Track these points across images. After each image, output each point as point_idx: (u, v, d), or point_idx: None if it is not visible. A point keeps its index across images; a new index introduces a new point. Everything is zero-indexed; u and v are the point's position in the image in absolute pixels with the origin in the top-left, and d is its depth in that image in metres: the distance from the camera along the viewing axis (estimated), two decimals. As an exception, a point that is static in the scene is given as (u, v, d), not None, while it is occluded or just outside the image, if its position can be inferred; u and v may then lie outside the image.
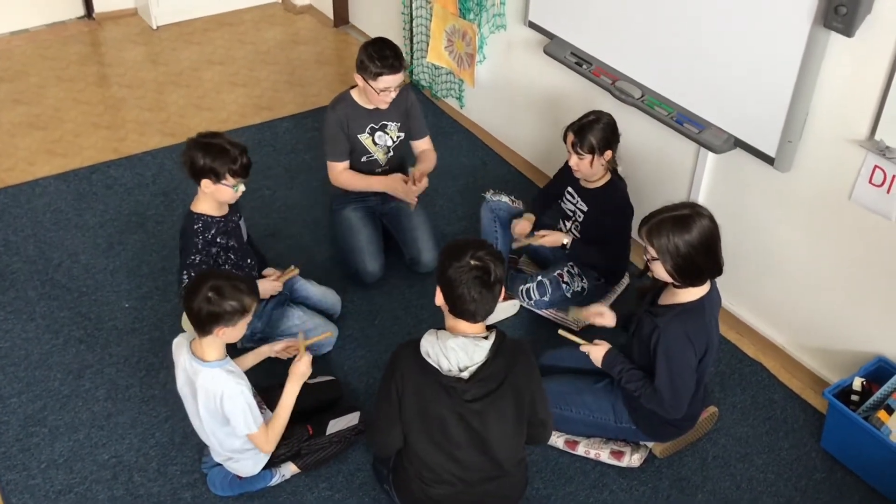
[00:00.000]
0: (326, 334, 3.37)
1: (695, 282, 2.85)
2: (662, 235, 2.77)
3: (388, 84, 3.61)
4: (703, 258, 2.78)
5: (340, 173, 3.85)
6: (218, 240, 3.25)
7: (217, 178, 3.13)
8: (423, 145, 4.00)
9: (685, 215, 2.78)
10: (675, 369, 2.87)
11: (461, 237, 2.65)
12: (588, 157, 3.43)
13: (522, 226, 3.73)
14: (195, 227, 3.20)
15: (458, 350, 2.54)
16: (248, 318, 2.79)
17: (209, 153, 3.10)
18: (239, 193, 3.21)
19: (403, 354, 2.63)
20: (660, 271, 2.83)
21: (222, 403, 2.78)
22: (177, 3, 5.99)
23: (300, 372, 2.92)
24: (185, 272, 3.19)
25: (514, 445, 2.71)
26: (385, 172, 3.91)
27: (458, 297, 2.49)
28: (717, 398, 3.44)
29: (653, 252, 2.80)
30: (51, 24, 5.90)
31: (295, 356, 3.00)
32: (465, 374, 2.54)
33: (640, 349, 2.98)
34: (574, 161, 3.48)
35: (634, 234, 3.71)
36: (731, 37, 3.24)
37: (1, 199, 4.35)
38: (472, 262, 2.48)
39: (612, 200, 3.57)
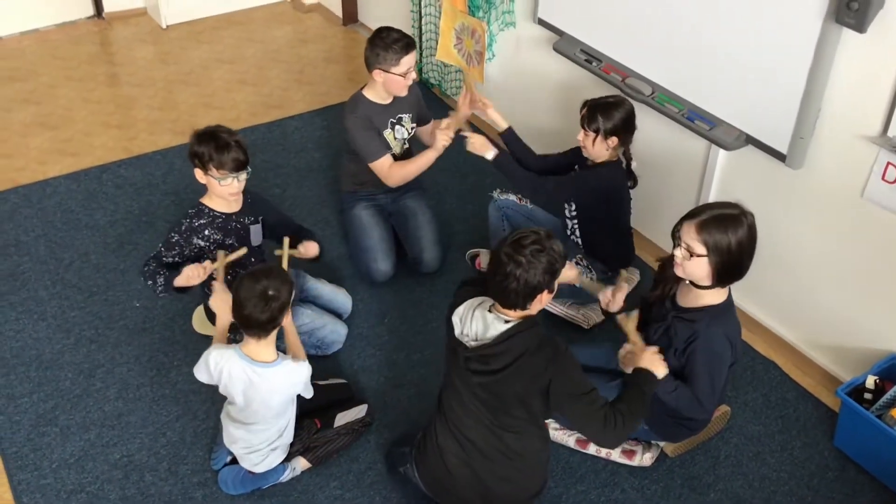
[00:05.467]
0: (241, 251, 3.22)
1: (725, 282, 2.80)
2: (717, 232, 2.67)
3: (410, 63, 3.64)
4: (746, 259, 2.73)
5: (390, 169, 3.76)
6: (206, 232, 3.20)
7: (204, 167, 3.11)
8: (429, 126, 4.03)
9: (734, 214, 2.71)
10: (715, 373, 2.83)
11: (522, 229, 2.66)
12: (592, 135, 3.41)
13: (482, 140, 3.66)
14: (189, 211, 3.23)
15: (478, 321, 2.62)
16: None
17: (202, 142, 3.11)
18: (229, 189, 3.14)
19: (459, 293, 2.75)
20: (696, 270, 2.73)
21: (300, 389, 2.89)
22: (186, 2, 6.00)
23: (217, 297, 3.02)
24: (161, 245, 3.22)
25: (523, 429, 2.71)
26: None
27: (487, 272, 2.61)
28: (729, 396, 3.42)
29: (699, 248, 2.69)
30: (61, 24, 5.92)
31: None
32: (471, 343, 2.62)
33: (668, 354, 2.88)
34: (581, 135, 3.46)
35: (645, 230, 3.71)
36: (743, 33, 3.22)
37: (12, 199, 4.36)
38: (507, 250, 2.55)
39: (593, 178, 3.52)
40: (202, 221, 3.21)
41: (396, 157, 3.87)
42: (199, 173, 3.15)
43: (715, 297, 2.84)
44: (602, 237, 3.66)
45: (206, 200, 3.24)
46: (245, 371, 2.82)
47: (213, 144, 3.09)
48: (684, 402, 2.89)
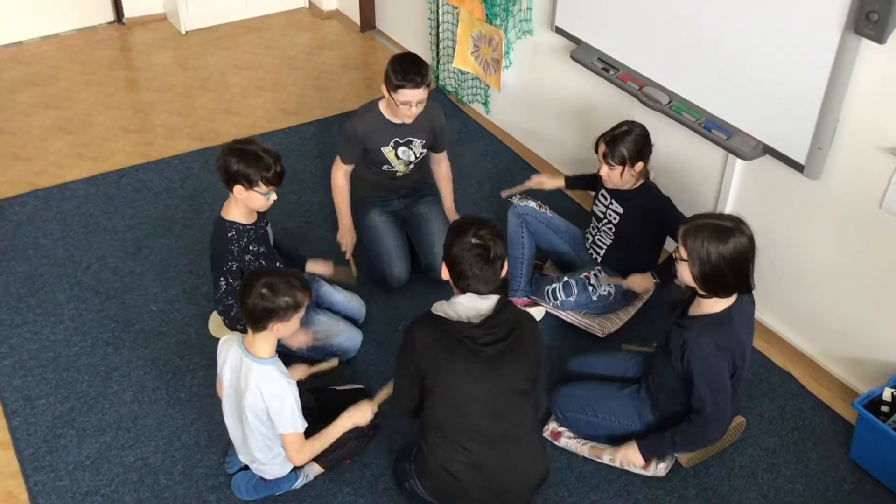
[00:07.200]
0: (332, 364, 3.39)
1: (718, 293, 2.83)
2: (697, 239, 2.75)
3: (408, 98, 3.60)
4: (730, 273, 2.76)
5: (340, 176, 3.91)
6: (251, 247, 3.26)
7: (250, 184, 3.13)
8: (439, 157, 4.05)
9: (726, 227, 2.75)
10: (715, 384, 2.85)
11: (452, 225, 2.85)
12: (619, 167, 3.41)
13: (542, 179, 3.87)
14: (229, 234, 3.21)
15: (465, 304, 2.71)
16: (300, 314, 2.84)
17: (243, 159, 3.11)
18: (271, 202, 3.21)
19: (418, 323, 2.78)
20: (685, 274, 2.82)
21: (271, 401, 2.82)
22: (205, 8, 6.05)
23: (355, 418, 3.03)
24: (222, 279, 3.21)
25: (524, 405, 2.79)
26: (403, 181, 3.95)
27: (461, 273, 2.70)
28: (745, 407, 3.40)
29: (683, 253, 2.79)
30: (81, 29, 5.98)
31: (318, 361, 3.01)
32: (476, 320, 2.70)
33: (666, 361, 2.95)
34: (605, 171, 3.45)
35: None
36: (762, 43, 3.21)
37: (31, 203, 4.40)
38: (473, 241, 2.67)
39: (650, 199, 3.54)
40: (245, 239, 3.24)
41: (399, 176, 3.91)
42: (239, 189, 3.14)
43: (712, 306, 2.87)
44: (636, 253, 3.65)
45: (234, 218, 3.23)
46: (237, 357, 2.87)
47: (261, 164, 3.11)
48: (690, 438, 2.98)
